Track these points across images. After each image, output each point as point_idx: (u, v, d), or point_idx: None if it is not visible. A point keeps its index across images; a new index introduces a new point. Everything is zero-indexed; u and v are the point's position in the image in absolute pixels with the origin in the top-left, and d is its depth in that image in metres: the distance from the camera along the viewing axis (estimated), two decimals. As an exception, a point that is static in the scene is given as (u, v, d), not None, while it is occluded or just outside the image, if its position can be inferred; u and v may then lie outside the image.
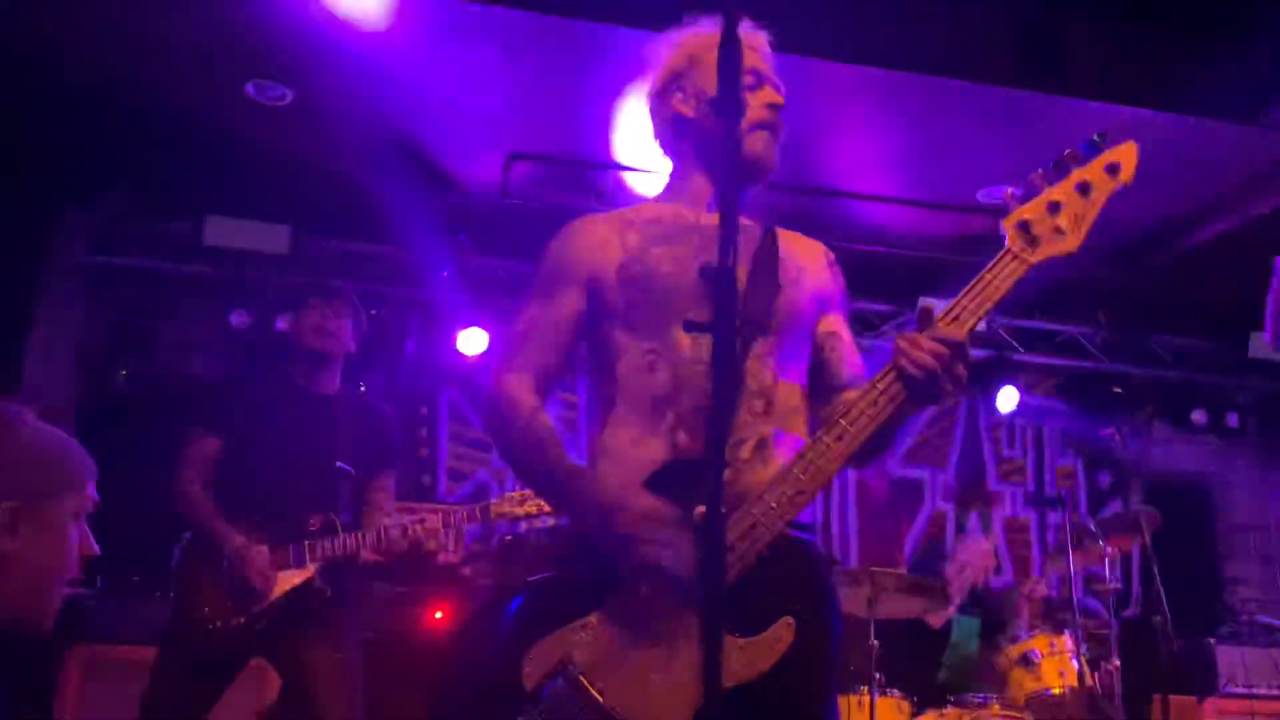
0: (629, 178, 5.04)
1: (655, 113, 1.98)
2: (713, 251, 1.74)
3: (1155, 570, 4.50)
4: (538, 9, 3.88)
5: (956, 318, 1.57)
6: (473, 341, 5.49)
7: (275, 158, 5.00)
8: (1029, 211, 1.60)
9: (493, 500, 3.40)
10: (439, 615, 4.75)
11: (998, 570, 6.32)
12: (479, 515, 3.33)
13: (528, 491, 3.30)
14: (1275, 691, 5.21)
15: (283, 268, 5.34)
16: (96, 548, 1.48)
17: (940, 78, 4.22)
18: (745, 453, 1.71)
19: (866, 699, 4.05)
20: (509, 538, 5.39)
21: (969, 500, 6.44)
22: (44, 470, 1.40)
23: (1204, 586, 6.45)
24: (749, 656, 1.56)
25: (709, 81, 1.77)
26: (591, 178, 5.12)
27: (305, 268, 5.35)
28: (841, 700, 4.21)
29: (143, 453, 5.20)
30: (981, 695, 4.28)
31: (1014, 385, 6.14)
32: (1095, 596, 5.93)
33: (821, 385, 1.88)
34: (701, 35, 1.92)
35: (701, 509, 1.52)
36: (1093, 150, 1.62)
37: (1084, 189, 1.60)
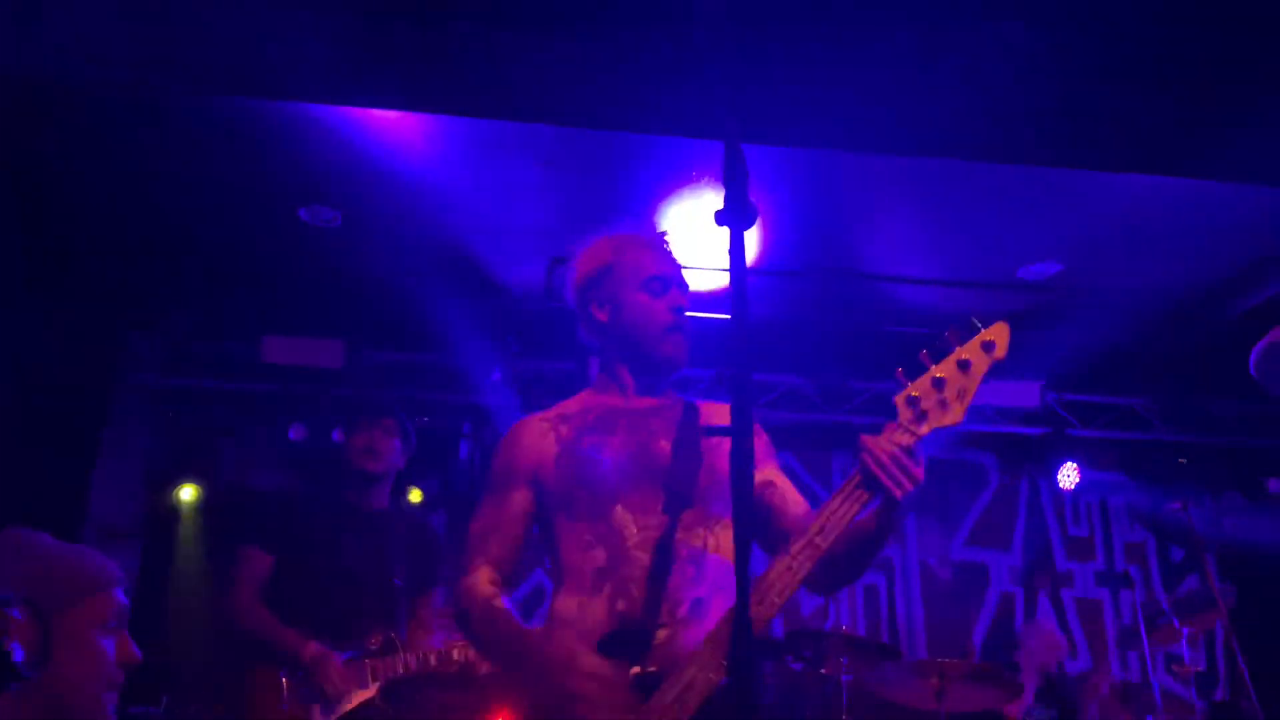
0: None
1: (578, 317, 2.20)
2: (643, 430, 1.99)
3: (1237, 649, 4.31)
4: (572, 124, 4.04)
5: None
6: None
7: (328, 276, 5.20)
8: (917, 389, 1.78)
9: None
10: (500, 723, 4.69)
11: (1072, 654, 6.10)
12: None
13: None
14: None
15: (339, 381, 5.50)
16: (138, 654, 1.51)
17: (972, 160, 4.27)
18: (682, 612, 1.85)
19: (941, 796, 3.90)
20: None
21: (1037, 582, 6.26)
22: (59, 582, 1.43)
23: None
24: None
25: (621, 285, 2.10)
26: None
27: (360, 380, 5.49)
28: (915, 798, 4.07)
29: (209, 571, 5.33)
30: (1063, 788, 4.11)
31: (1074, 461, 6.01)
32: (1177, 680, 5.68)
33: (772, 532, 1.99)
34: (610, 242, 2.19)
35: (637, 669, 1.72)
36: (971, 331, 1.79)
37: (964, 365, 1.77)
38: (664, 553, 1.88)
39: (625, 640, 1.80)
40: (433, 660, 3.18)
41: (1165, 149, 4.27)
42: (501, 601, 1.95)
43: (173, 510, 5.47)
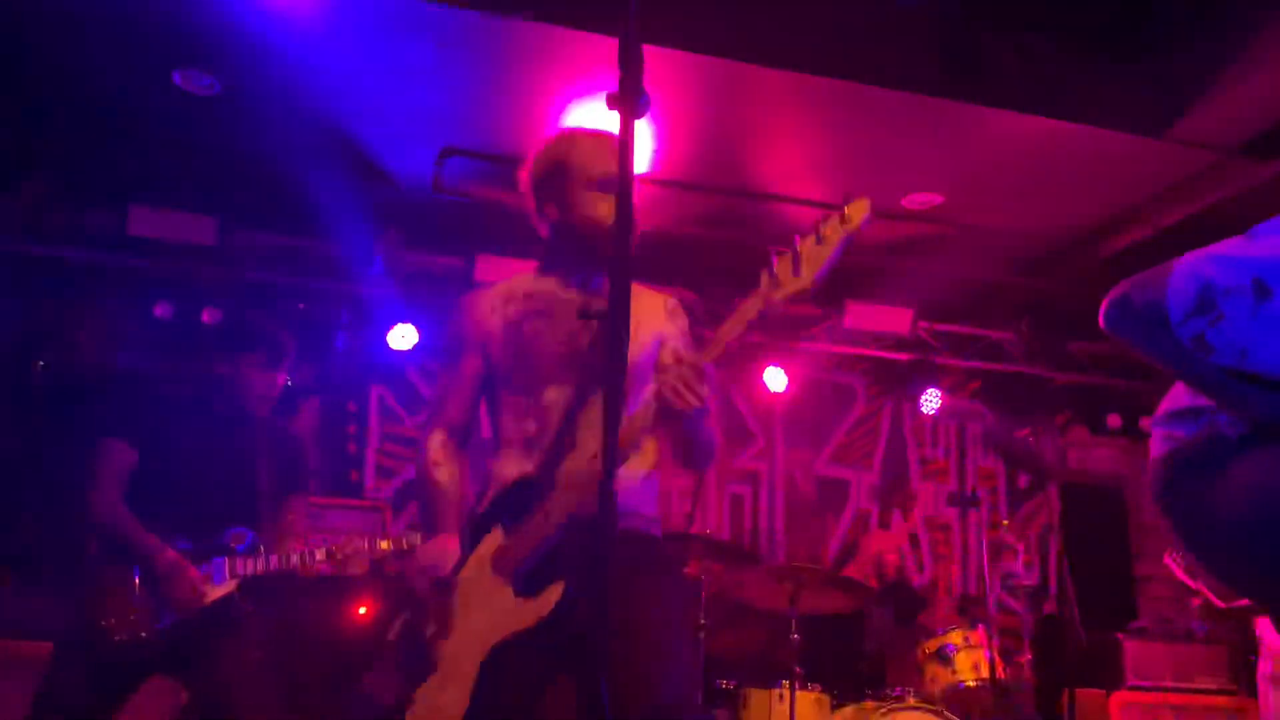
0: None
1: (532, 209, 2.34)
2: (575, 320, 2.16)
3: (1065, 567, 4.65)
4: (471, 6, 3.90)
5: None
6: (403, 337, 5.46)
7: (202, 148, 4.94)
8: (779, 260, 1.96)
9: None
10: (363, 611, 4.72)
11: (919, 569, 6.47)
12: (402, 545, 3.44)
13: None
14: (1179, 685, 5.40)
15: (210, 259, 5.28)
16: None
17: (867, 85, 4.32)
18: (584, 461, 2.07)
19: (788, 693, 4.12)
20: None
21: (892, 499, 6.58)
22: None
23: (1117, 584, 6.67)
24: (523, 609, 2.00)
25: (571, 183, 2.22)
26: (524, 174, 5.13)
27: (233, 260, 5.29)
28: (762, 695, 4.28)
29: (59, 447, 5.11)
30: (898, 689, 4.39)
31: (936, 387, 6.28)
32: (1012, 594, 6.11)
33: None
34: (563, 139, 2.30)
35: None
36: (837, 207, 1.93)
37: (821, 238, 1.94)
38: (575, 423, 2.14)
39: (521, 491, 2.11)
40: (294, 560, 3.23)
41: (1046, 92, 4.40)
42: (441, 473, 2.24)
43: (26, 384, 5.20)
